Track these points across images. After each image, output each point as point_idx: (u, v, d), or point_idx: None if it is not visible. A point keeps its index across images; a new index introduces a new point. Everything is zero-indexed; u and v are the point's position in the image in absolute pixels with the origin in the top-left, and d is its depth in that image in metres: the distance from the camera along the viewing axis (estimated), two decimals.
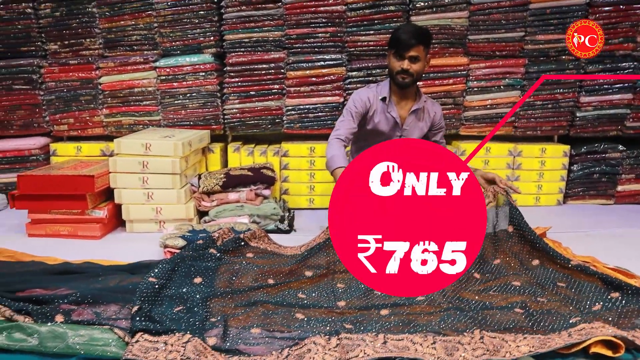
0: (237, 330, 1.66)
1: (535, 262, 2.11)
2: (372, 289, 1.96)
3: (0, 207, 3.34)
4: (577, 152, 3.42)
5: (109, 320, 1.73)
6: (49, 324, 1.67)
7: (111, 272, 2.17)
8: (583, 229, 2.94)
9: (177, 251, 2.36)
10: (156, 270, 2.03)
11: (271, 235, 2.62)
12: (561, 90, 3.33)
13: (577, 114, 3.37)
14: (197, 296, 1.87)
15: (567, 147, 3.39)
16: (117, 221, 2.97)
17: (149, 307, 1.77)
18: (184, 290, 1.94)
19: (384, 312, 1.76)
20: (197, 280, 2.04)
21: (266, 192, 3.00)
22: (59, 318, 1.74)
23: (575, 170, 3.44)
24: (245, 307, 1.82)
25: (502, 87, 3.33)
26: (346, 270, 2.13)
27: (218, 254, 2.23)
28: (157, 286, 1.91)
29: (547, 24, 3.24)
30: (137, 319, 1.65)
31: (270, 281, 2.03)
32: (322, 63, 3.26)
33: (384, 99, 2.62)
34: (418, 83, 2.74)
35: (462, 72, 3.30)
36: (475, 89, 3.33)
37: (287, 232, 2.89)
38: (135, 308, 1.73)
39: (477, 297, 1.87)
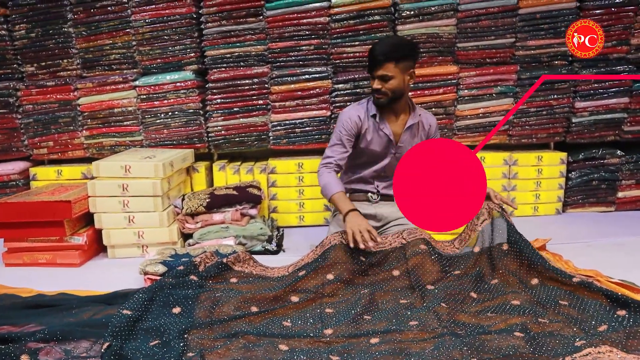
0: None
1: (535, 281, 1.99)
2: (362, 313, 1.84)
3: None
4: (574, 159, 3.31)
5: (76, 359, 1.60)
6: None
7: (86, 304, 2.04)
8: (584, 239, 2.82)
9: (158, 278, 2.23)
10: (131, 301, 1.90)
11: (258, 257, 2.51)
12: (555, 96, 3.23)
13: (573, 120, 3.27)
14: (175, 328, 1.74)
15: (564, 154, 3.28)
16: (98, 247, 2.84)
17: (120, 344, 1.64)
18: (161, 321, 1.81)
19: (373, 340, 1.63)
20: (176, 310, 1.90)
21: (252, 211, 2.88)
22: (24, 359, 1.61)
23: (574, 178, 3.33)
24: (226, 339, 1.69)
25: (494, 94, 3.23)
26: (335, 293, 2.02)
27: (199, 281, 2.11)
28: (131, 319, 1.79)
29: (538, 29, 3.15)
30: (106, 357, 1.52)
31: (254, 309, 1.90)
32: (307, 76, 3.16)
33: (374, 116, 2.49)
34: (410, 94, 2.65)
35: (453, 81, 3.20)
36: (467, 97, 3.23)
37: (276, 252, 2.77)
38: (105, 345, 1.60)
39: (473, 320, 1.74)
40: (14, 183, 3.34)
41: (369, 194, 2.59)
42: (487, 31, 3.15)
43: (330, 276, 2.08)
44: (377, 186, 2.59)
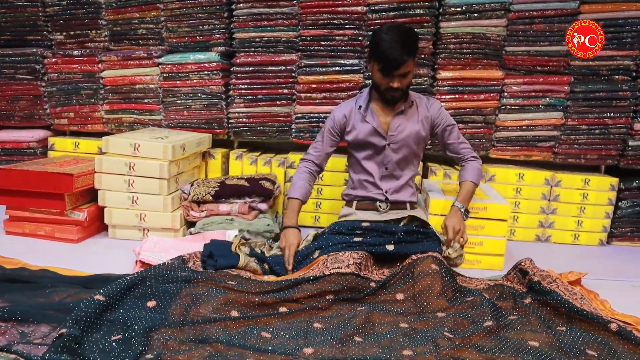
0: None
1: (561, 321, 1.69)
2: (353, 334, 1.62)
3: None
4: (627, 186, 2.96)
5: (28, 345, 1.46)
6: None
7: (62, 285, 1.91)
8: (628, 277, 2.48)
9: (151, 264, 2.08)
10: (108, 288, 1.74)
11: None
12: (612, 114, 2.89)
13: (630, 143, 2.92)
14: (142, 324, 1.57)
15: (615, 180, 2.93)
16: (100, 225, 2.72)
17: (79, 332, 1.48)
18: (130, 314, 1.64)
19: None
20: (151, 304, 1.73)
21: (262, 206, 2.68)
22: None
23: (624, 207, 2.97)
24: (192, 343, 1.50)
25: (541, 106, 2.92)
26: (329, 307, 1.80)
27: (186, 275, 1.93)
28: (101, 306, 1.63)
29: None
30: (53, 348, 1.36)
31: (234, 313, 1.70)
32: (338, 68, 2.95)
33: (360, 107, 2.32)
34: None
35: (496, 87, 2.91)
36: (510, 107, 2.93)
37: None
38: (60, 332, 1.44)
39: (480, 359, 1.48)
40: (32, 151, 3.28)
41: (377, 203, 2.35)
42: (541, 36, 2.85)
43: (329, 296, 1.85)
44: (385, 191, 2.34)
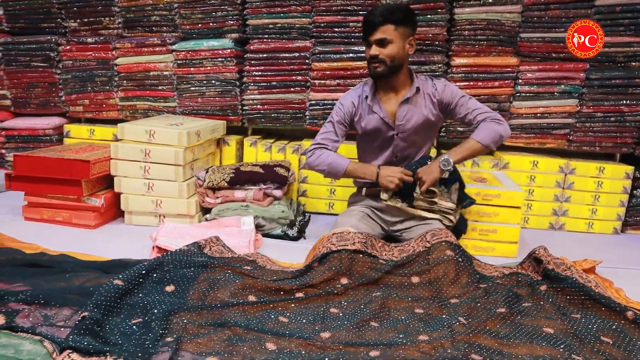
0: (190, 356, 1.37)
1: (577, 315, 1.70)
2: (369, 319, 1.63)
3: (3, 188, 3.20)
4: None
5: (52, 327, 1.49)
6: None
7: (82, 269, 1.95)
8: None
9: (168, 250, 2.11)
10: (127, 273, 1.77)
11: (276, 242, 2.46)
12: (628, 101, 2.86)
13: None
14: (162, 308, 1.60)
15: (630, 168, 2.91)
16: (117, 211, 2.77)
17: (100, 316, 1.51)
18: (150, 299, 1.67)
19: (373, 353, 1.42)
20: (169, 288, 1.77)
21: (277, 192, 2.70)
22: (0, 319, 1.51)
23: (639, 196, 2.95)
24: (211, 327, 1.53)
25: (556, 93, 2.90)
26: (344, 292, 1.81)
27: (204, 260, 1.96)
28: (120, 290, 1.66)
29: (616, 24, 2.78)
30: (76, 331, 1.39)
31: (252, 298, 1.73)
32: (352, 55, 2.94)
33: (367, 98, 2.29)
34: (412, 68, 2.39)
35: (511, 74, 2.89)
36: (525, 94, 2.91)
37: (295, 239, 2.59)
38: (82, 315, 1.48)
39: (495, 345, 1.49)
40: (48, 138, 3.32)
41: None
42: (557, 22, 2.82)
43: (344, 280, 1.87)
44: None
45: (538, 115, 2.93)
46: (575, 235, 2.92)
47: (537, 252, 2.10)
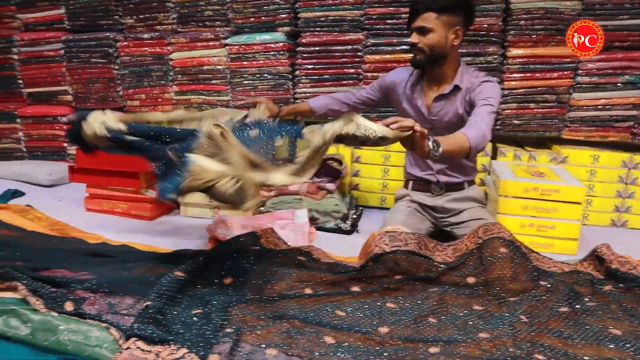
0: (250, 347, 1.39)
1: None
2: (427, 315, 1.62)
3: (66, 180, 3.34)
4: None
5: (116, 315, 1.54)
6: (51, 313, 1.51)
7: (142, 260, 2.01)
8: None
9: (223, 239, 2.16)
10: (187, 264, 1.82)
11: (330, 235, 2.51)
12: None
13: None
14: (221, 299, 1.63)
15: None
16: (174, 203, 2.84)
17: (161, 306, 1.56)
18: (208, 290, 1.71)
19: (433, 349, 1.41)
20: (227, 280, 1.80)
21: (330, 186, 2.71)
22: (69, 306, 1.57)
23: None
24: (269, 319, 1.54)
25: (619, 84, 2.77)
26: (401, 287, 1.80)
27: (259, 250, 1.99)
28: (180, 282, 1.70)
29: None
30: (140, 319, 1.44)
31: (308, 291, 1.74)
32: (405, 47, 2.89)
33: (412, 85, 2.27)
34: (466, 60, 2.35)
35: (570, 65, 2.78)
36: (586, 85, 2.79)
37: (349, 232, 2.59)
38: (145, 304, 1.52)
39: (559, 345, 1.44)
40: None
41: (432, 186, 2.35)
42: (621, 9, 2.68)
43: (399, 277, 1.85)
44: (436, 172, 2.32)
45: (599, 107, 2.81)
46: (639, 233, 2.79)
47: (599, 249, 2.02)
